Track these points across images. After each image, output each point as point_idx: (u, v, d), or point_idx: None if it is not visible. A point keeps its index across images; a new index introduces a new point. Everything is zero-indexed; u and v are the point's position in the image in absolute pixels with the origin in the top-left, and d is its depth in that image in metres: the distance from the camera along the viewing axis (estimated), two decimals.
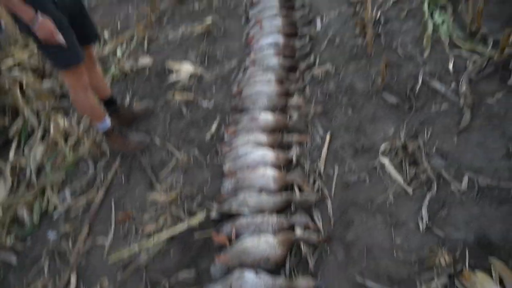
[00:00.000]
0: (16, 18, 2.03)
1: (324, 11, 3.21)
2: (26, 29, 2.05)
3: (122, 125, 2.70)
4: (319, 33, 2.98)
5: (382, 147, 2.04)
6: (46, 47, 2.10)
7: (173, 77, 3.02)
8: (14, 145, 2.82)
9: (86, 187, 2.40)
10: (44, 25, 1.89)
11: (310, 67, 2.71)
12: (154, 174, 2.34)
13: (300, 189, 1.98)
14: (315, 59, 2.75)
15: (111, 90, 2.71)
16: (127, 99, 2.99)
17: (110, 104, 2.64)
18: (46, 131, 2.86)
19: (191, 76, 2.99)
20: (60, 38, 1.97)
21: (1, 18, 3.82)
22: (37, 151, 2.75)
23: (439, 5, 2.85)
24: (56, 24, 2.01)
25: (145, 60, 3.28)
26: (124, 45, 3.57)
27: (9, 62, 3.25)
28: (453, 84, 2.24)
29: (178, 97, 2.83)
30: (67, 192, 2.40)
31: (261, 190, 1.95)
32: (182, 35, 3.48)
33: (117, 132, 2.55)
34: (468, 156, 1.88)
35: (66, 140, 2.77)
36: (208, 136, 2.48)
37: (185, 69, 3.05)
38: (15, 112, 3.06)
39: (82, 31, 2.23)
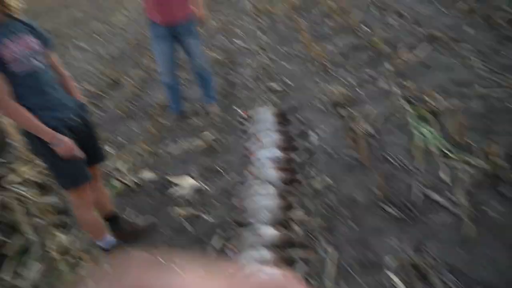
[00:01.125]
0: (29, 138, 2.16)
1: (317, 123, 3.44)
2: (37, 150, 2.18)
3: (124, 242, 2.67)
4: (315, 146, 3.15)
5: (389, 262, 2.03)
6: (54, 167, 2.21)
7: (175, 192, 3.08)
8: (11, 262, 2.74)
9: None
10: (64, 143, 2.06)
11: (309, 179, 2.81)
12: None
13: None
14: (313, 172, 2.86)
15: (113, 206, 2.74)
16: (129, 215, 3.00)
17: (112, 220, 2.65)
18: (44, 248, 2.80)
19: (193, 190, 3.06)
20: (78, 153, 2.14)
21: (10, 135, 4.00)
22: (34, 269, 2.66)
23: (423, 117, 3.09)
24: None
25: (147, 175, 3.37)
26: (127, 160, 3.69)
27: (13, 177, 3.32)
28: (448, 194, 2.33)
29: (181, 211, 2.85)
30: None
31: None
32: (183, 149, 3.64)
33: (119, 250, 2.51)
34: (477, 269, 1.88)
35: (65, 258, 2.70)
36: (211, 253, 2.45)
37: (187, 183, 3.13)
38: (15, 228, 3.04)
39: (90, 152, 2.35)
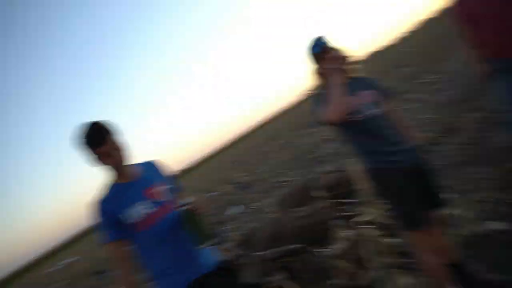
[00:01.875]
0: (375, 181, 2.40)
1: None
2: (381, 192, 2.40)
3: None
4: None
5: None
6: (395, 210, 2.36)
7: None
8: None
9: None
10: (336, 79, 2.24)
11: None
12: None
13: None
14: None
15: (456, 254, 2.59)
16: (476, 267, 2.74)
17: (456, 269, 2.50)
18: (387, 286, 2.97)
19: None
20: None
21: (356, 181, 4.59)
22: None
23: None
24: (397, 191, 2.29)
25: (496, 225, 3.01)
26: (470, 208, 3.44)
27: (363, 218, 3.78)
28: None
29: None
30: None
31: None
32: None
33: None
34: None
35: None
36: None
37: None
38: (361, 262, 3.39)
39: (426, 196, 2.37)
